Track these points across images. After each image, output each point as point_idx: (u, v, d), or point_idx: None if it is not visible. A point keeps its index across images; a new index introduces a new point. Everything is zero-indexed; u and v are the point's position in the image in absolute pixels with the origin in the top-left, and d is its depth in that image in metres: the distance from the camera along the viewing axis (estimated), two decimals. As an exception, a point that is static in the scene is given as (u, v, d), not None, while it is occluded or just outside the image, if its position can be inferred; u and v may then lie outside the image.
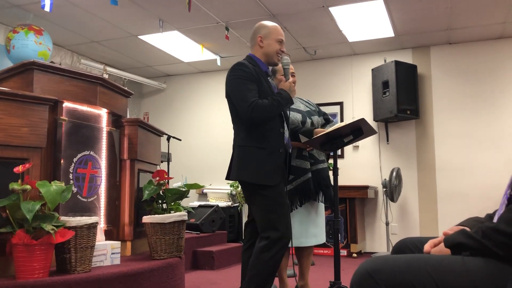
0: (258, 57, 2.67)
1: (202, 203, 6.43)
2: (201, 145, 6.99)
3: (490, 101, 5.72)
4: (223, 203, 6.13)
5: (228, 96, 2.57)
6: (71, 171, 2.66)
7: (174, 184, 6.41)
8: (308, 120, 3.20)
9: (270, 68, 2.81)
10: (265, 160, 2.44)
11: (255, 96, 2.44)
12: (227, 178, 2.58)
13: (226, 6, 4.94)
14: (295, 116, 3.16)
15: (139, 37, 5.79)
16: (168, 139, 5.42)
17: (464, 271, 1.09)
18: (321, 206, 3.31)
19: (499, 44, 5.72)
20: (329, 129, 2.54)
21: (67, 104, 2.67)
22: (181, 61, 6.76)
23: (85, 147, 2.77)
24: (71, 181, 2.64)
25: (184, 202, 6.24)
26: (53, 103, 2.55)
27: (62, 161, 2.60)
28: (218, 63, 6.52)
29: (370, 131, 2.54)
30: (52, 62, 5.45)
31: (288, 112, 2.81)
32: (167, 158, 5.53)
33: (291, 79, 2.63)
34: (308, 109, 3.29)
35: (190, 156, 6.99)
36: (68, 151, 2.65)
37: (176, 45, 6.07)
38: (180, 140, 5.61)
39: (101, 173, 2.89)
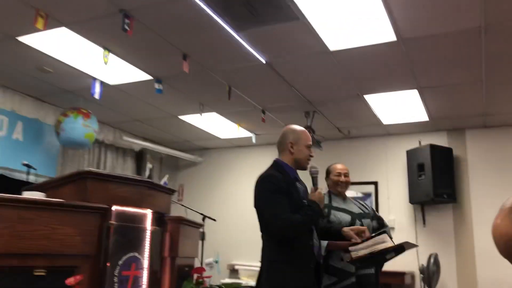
0: (286, 162, 2.64)
1: (234, 280, 6.39)
2: (234, 220, 7.02)
3: (530, 186, 5.60)
4: (254, 283, 6.07)
5: (257, 208, 2.54)
6: (116, 274, 2.74)
7: (206, 260, 6.42)
8: (358, 223, 3.17)
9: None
10: (294, 279, 2.39)
11: (286, 211, 2.41)
12: None
13: (264, 94, 5.14)
14: (343, 217, 3.16)
15: (179, 117, 6.04)
16: (203, 219, 5.49)
17: None
18: None
19: (537, 130, 5.68)
20: (373, 249, 2.54)
21: (115, 208, 2.79)
22: (217, 137, 6.97)
23: (130, 249, 2.87)
24: (116, 284, 2.72)
25: (215, 279, 6.23)
26: (104, 211, 2.68)
27: (108, 265, 2.69)
28: (253, 140, 6.68)
29: (412, 246, 2.55)
30: (96, 139, 5.73)
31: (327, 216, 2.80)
32: (202, 237, 5.57)
33: (322, 189, 2.60)
34: (361, 211, 3.29)
35: (223, 231, 7.00)
36: (114, 255, 2.74)
37: (213, 124, 6.29)
38: (215, 220, 5.66)
39: (143, 273, 2.96)
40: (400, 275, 5.53)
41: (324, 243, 3.05)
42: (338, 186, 3.29)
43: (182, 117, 6.05)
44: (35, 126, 5.43)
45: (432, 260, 5.50)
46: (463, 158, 6.02)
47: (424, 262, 5.58)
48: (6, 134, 5.06)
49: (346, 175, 3.35)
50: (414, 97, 5.00)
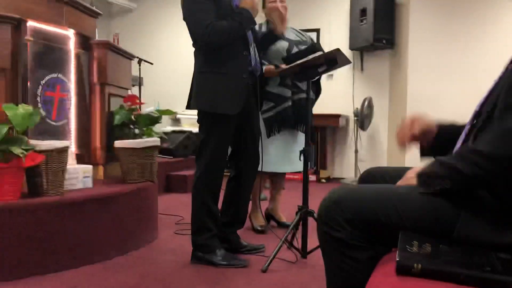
0: None
1: (176, 128, 6.44)
2: (174, 69, 6.83)
3: (467, 34, 5.70)
4: (196, 129, 6.15)
5: (184, 19, 2.41)
6: (39, 94, 2.58)
7: (146, 109, 6.31)
8: (294, 49, 3.15)
9: None
10: (224, 87, 2.35)
11: (211, 18, 2.27)
12: (187, 107, 2.52)
13: None
14: (281, 44, 3.13)
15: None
16: (139, 63, 5.28)
17: (430, 207, 1.11)
18: (300, 135, 3.37)
19: (480, -26, 5.61)
20: (303, 59, 2.50)
21: (31, 24, 2.53)
22: (152, -21, 6.42)
23: (53, 70, 2.68)
24: (39, 104, 2.58)
25: (157, 127, 6.24)
26: (16, 22, 2.41)
27: (28, 84, 2.51)
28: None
29: (345, 61, 2.52)
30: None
31: (255, 31, 2.65)
32: (139, 82, 5.41)
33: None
34: (299, 38, 3.25)
35: (163, 80, 6.86)
36: (35, 74, 2.56)
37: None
38: (151, 63, 5.46)
39: (70, 96, 2.83)
40: (335, 117, 5.75)
41: None
42: (275, 12, 3.17)
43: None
44: None
45: (366, 103, 5.72)
46: (406, 3, 5.94)
47: (359, 106, 5.81)
48: None
49: (282, 0, 3.21)
50: None
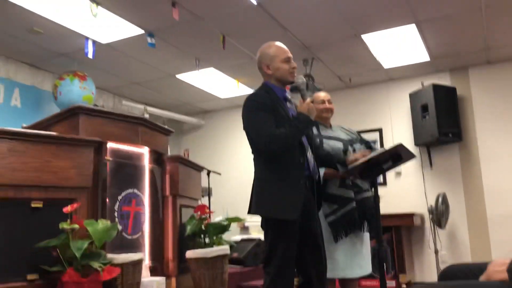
0: (272, 83, 2.56)
1: (245, 236, 6.42)
2: (241, 178, 7.01)
3: (537, 119, 5.51)
4: (265, 236, 6.09)
5: (245, 129, 2.51)
6: (116, 209, 2.74)
7: (216, 218, 6.44)
8: (350, 149, 3.17)
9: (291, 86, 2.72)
10: (282, 194, 2.37)
11: (271, 127, 2.37)
12: (248, 212, 2.53)
13: (259, 41, 5.02)
14: (336, 145, 3.14)
15: (177, 76, 5.99)
16: (208, 174, 5.49)
17: None
18: (366, 236, 3.24)
19: (542, 61, 5.55)
20: (367, 157, 2.50)
21: (110, 145, 2.77)
22: (218, 97, 6.92)
23: (129, 185, 2.86)
24: (116, 219, 2.72)
25: (227, 236, 6.26)
26: (97, 145, 2.66)
27: (107, 200, 2.68)
28: (254, 97, 6.61)
29: (409, 156, 2.50)
30: (95, 105, 5.71)
31: (312, 135, 2.69)
32: (208, 192, 5.59)
33: (309, 102, 2.48)
34: (350, 137, 3.28)
35: (231, 190, 7.03)
36: (113, 190, 2.74)
37: (212, 81, 6.23)
38: (219, 174, 5.66)
39: (144, 210, 2.96)
40: (409, 216, 5.51)
41: (321, 171, 3.03)
42: (323, 113, 3.27)
43: (180, 76, 5.99)
44: (33, 93, 5.42)
45: (440, 199, 5.47)
46: (467, 97, 5.91)
47: (433, 203, 5.55)
48: (3, 101, 5.05)
49: (329, 101, 3.32)
50: (413, 33, 4.88)
